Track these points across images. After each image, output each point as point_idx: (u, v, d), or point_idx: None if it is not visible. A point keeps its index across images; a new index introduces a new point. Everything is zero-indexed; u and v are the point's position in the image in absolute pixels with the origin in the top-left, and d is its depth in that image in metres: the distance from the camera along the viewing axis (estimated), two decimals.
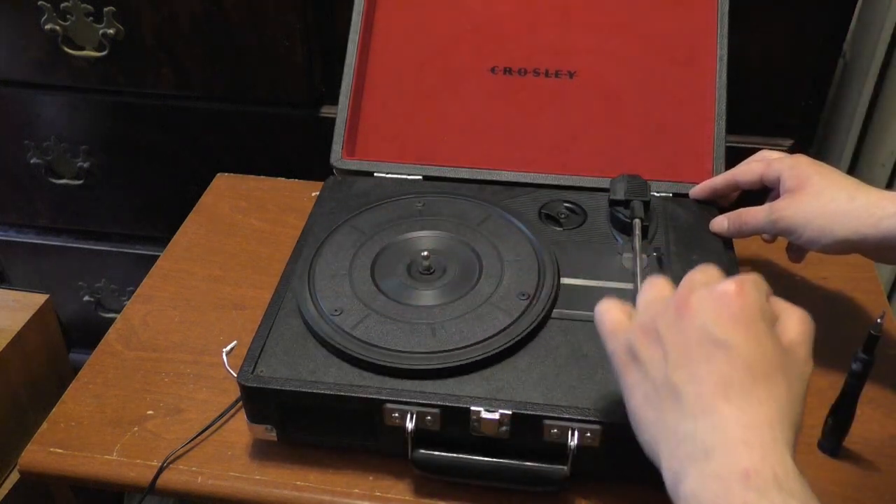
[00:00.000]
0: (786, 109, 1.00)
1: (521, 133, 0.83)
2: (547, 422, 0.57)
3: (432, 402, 0.57)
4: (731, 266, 0.68)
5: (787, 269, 0.78)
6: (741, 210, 0.70)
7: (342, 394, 0.58)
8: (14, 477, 0.81)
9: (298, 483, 0.61)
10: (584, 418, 0.56)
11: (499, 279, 0.67)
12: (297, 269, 0.69)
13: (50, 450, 0.64)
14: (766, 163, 0.68)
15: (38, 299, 0.86)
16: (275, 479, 0.62)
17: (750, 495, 0.38)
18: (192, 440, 0.64)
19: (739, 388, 0.41)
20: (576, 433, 0.56)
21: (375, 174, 0.81)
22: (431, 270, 0.68)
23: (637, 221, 0.70)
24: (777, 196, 0.67)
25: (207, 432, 0.65)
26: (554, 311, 0.65)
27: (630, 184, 0.73)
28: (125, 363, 0.72)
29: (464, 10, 0.84)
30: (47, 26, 1.02)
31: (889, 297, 1.07)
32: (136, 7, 1.00)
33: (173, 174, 1.15)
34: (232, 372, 0.70)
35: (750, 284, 0.45)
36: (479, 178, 0.80)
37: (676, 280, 0.48)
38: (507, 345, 0.61)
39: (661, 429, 0.44)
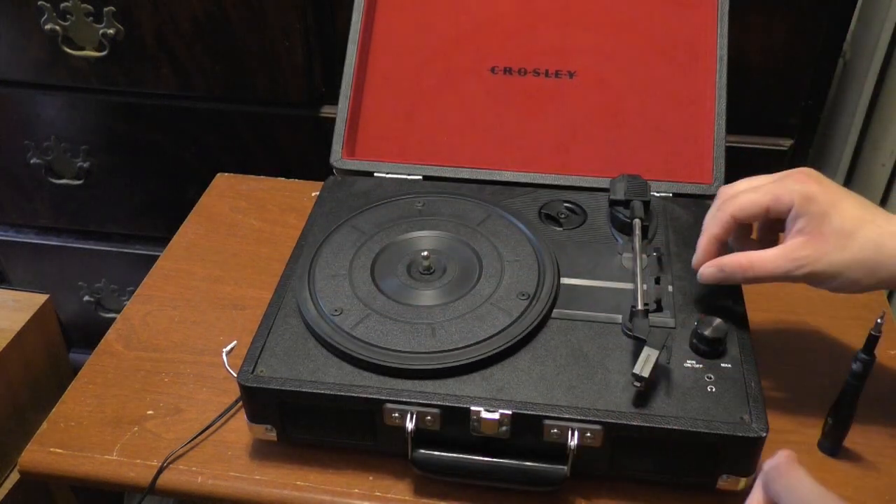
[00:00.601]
0: (786, 109, 1.00)
1: (521, 133, 0.83)
2: (547, 422, 0.57)
3: (432, 402, 0.57)
4: None
5: None
6: (743, 258, 0.61)
7: (342, 394, 0.58)
8: (14, 477, 0.81)
9: (298, 483, 0.61)
10: (584, 418, 0.56)
11: (499, 279, 0.67)
12: (297, 269, 0.69)
13: (50, 450, 0.64)
14: (769, 196, 0.60)
15: (38, 299, 0.86)
16: (275, 479, 0.62)
17: None
18: (192, 440, 0.64)
19: None
20: (576, 433, 0.56)
21: (375, 174, 0.81)
22: (431, 270, 0.68)
23: (637, 221, 0.70)
24: (781, 229, 0.62)
25: (207, 432, 0.65)
26: (554, 311, 0.65)
27: (630, 184, 0.73)
28: (125, 363, 0.72)
29: (464, 10, 0.84)
30: (47, 26, 1.02)
31: (889, 297, 1.07)
32: (136, 7, 1.00)
33: (173, 174, 1.15)
34: (232, 372, 0.70)
35: None
36: (479, 178, 0.80)
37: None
38: (507, 345, 0.61)
39: None
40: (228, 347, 0.73)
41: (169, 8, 0.99)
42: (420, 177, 0.81)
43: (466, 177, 0.80)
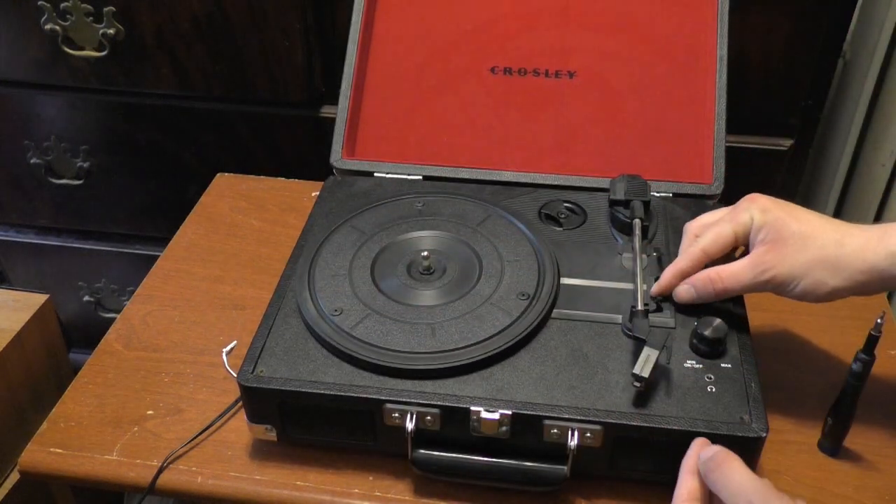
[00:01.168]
0: (786, 109, 1.00)
1: (521, 133, 0.83)
2: (547, 422, 0.57)
3: (432, 402, 0.57)
4: None
5: None
6: (711, 272, 0.62)
7: (342, 394, 0.58)
8: (14, 477, 0.81)
9: (298, 483, 0.61)
10: (584, 418, 0.56)
11: (499, 279, 0.67)
12: (297, 269, 0.69)
13: (50, 450, 0.64)
14: (731, 222, 0.62)
15: (38, 299, 0.86)
16: (275, 479, 0.62)
17: None
18: (192, 440, 0.64)
19: None
20: (576, 433, 0.56)
21: (375, 174, 0.81)
22: (431, 270, 0.68)
23: (637, 221, 0.70)
24: (747, 251, 0.62)
25: (207, 432, 0.65)
26: (554, 311, 0.65)
27: (630, 184, 0.73)
28: (125, 363, 0.72)
29: (464, 10, 0.84)
30: (47, 26, 1.02)
31: (889, 298, 1.07)
32: (136, 7, 1.00)
33: (173, 174, 1.15)
34: (232, 372, 0.70)
35: None
36: (479, 178, 0.80)
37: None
38: (507, 345, 0.61)
39: None
40: (228, 347, 0.73)
41: (169, 8, 0.99)
42: (420, 177, 0.81)
43: (466, 177, 0.80)
